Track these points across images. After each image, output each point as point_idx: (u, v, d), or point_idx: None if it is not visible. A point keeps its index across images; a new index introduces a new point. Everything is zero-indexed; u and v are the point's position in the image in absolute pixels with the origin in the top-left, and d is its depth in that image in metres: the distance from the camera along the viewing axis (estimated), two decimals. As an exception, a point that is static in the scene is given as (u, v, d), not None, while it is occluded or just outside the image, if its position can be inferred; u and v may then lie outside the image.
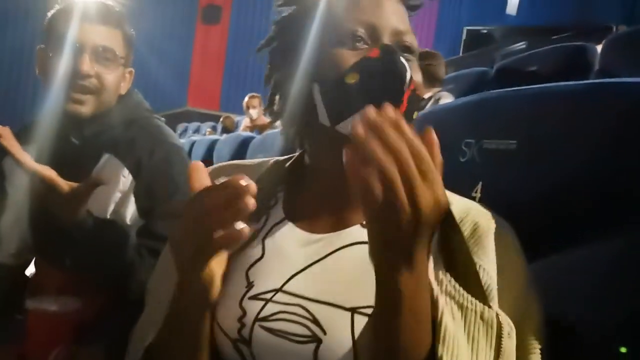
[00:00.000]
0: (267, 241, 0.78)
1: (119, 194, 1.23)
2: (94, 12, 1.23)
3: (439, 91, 3.46)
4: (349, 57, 0.71)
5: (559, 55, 2.76)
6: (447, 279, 0.66)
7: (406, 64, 0.69)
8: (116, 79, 1.27)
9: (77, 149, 1.24)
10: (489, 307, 0.64)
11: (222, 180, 0.81)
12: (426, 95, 3.49)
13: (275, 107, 0.84)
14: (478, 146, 0.97)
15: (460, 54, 9.45)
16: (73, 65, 1.19)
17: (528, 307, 0.69)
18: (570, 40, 3.77)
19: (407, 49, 0.74)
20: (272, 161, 0.88)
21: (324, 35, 0.74)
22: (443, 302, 0.63)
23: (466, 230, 0.70)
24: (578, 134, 0.81)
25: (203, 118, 8.40)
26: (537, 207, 0.85)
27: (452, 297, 0.65)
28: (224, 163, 0.93)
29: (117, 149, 1.25)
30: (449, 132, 1.05)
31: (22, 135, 1.22)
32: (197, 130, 7.56)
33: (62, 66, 1.19)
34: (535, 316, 0.70)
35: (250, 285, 0.74)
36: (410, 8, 0.80)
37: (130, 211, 1.23)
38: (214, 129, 7.19)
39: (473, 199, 0.94)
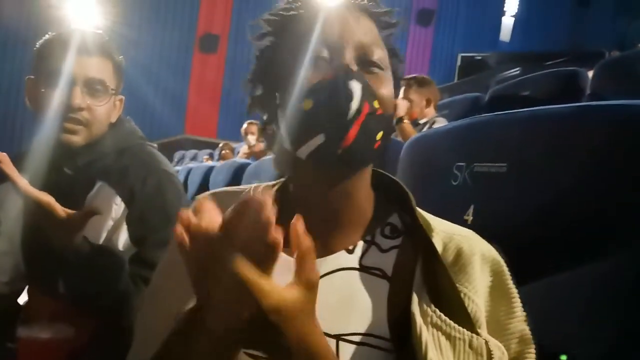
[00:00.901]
0: None
1: (111, 222, 1.23)
2: (84, 43, 1.24)
3: (435, 116, 3.49)
4: (310, 79, 0.71)
5: (551, 80, 2.79)
6: (431, 309, 0.66)
7: (356, 88, 0.68)
8: (107, 110, 1.27)
9: (70, 178, 1.24)
10: (477, 334, 0.64)
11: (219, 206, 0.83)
12: (422, 120, 3.52)
13: (265, 138, 0.84)
14: (469, 169, 0.97)
15: (455, 80, 9.54)
16: (65, 98, 1.20)
17: (520, 330, 0.69)
18: (564, 65, 3.82)
19: (372, 63, 0.73)
20: (262, 187, 0.88)
21: (296, 62, 0.73)
22: (426, 335, 0.63)
23: (449, 257, 0.71)
24: (566, 156, 0.82)
25: (200, 146, 8.43)
26: (528, 229, 0.86)
27: (439, 329, 0.64)
28: (215, 190, 0.92)
29: (110, 176, 1.25)
30: (440, 156, 1.06)
31: (15, 164, 1.22)
32: (194, 158, 7.57)
33: (54, 98, 1.20)
34: (528, 339, 0.70)
35: None
36: (383, 25, 0.79)
37: (123, 239, 1.23)
38: (211, 156, 7.20)
39: (465, 221, 0.94)
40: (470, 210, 0.95)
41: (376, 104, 0.70)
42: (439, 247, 0.71)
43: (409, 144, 1.18)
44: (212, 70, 9.29)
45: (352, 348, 0.67)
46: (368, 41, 0.73)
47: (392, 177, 0.82)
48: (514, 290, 0.71)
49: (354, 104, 0.68)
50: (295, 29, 0.76)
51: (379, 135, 0.72)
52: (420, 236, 0.72)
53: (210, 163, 4.19)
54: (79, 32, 1.26)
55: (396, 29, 0.81)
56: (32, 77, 1.26)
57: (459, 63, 10.54)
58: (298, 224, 0.56)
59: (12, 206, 1.31)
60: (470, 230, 0.77)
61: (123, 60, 1.34)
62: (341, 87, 0.68)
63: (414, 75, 3.62)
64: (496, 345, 0.65)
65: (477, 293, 0.67)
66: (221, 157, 6.33)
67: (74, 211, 1.03)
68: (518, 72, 6.43)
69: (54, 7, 6.81)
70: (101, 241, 1.22)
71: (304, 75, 0.71)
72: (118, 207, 1.23)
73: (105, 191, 1.25)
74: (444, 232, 0.74)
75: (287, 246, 0.76)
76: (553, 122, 0.87)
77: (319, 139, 0.68)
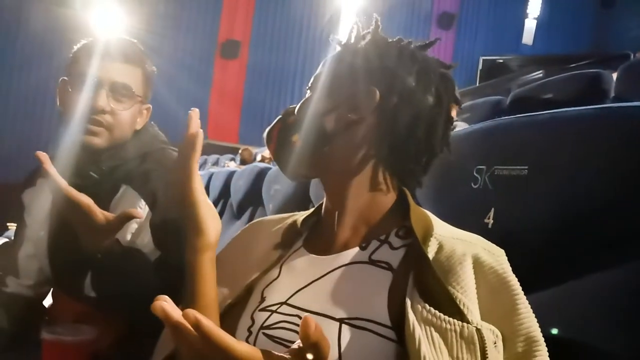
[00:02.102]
0: (284, 266, 0.89)
1: (135, 225, 1.25)
2: (115, 50, 1.26)
3: (455, 120, 3.47)
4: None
5: (574, 82, 2.75)
6: (422, 305, 0.69)
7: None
8: (131, 116, 1.29)
9: (96, 182, 1.26)
10: (468, 322, 0.66)
11: (264, 226, 1.01)
12: None
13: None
14: (490, 173, 0.97)
15: (477, 83, 9.46)
16: (90, 99, 1.22)
17: (525, 329, 0.69)
18: (587, 68, 3.76)
19: None
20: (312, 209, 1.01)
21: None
22: (419, 331, 0.66)
23: (442, 258, 0.74)
24: (587, 158, 0.81)
25: (222, 150, 8.49)
26: (549, 233, 0.85)
27: (431, 324, 0.67)
28: (265, 218, 1.06)
29: (134, 180, 1.27)
30: (461, 159, 1.05)
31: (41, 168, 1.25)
32: (216, 163, 7.62)
33: (80, 100, 1.22)
34: (535, 338, 0.69)
35: (262, 300, 0.84)
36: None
37: (146, 241, 1.24)
38: (232, 160, 7.25)
39: (486, 225, 0.94)
40: (491, 214, 0.94)
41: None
42: (433, 249, 0.75)
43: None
44: (233, 75, 9.35)
45: (353, 332, 0.72)
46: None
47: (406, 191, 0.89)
48: (517, 290, 0.72)
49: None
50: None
51: (294, 137, 0.89)
52: (415, 244, 0.77)
53: (231, 168, 4.22)
54: (113, 39, 1.29)
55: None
56: (65, 78, 1.29)
57: (480, 66, 10.46)
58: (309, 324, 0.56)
59: (38, 210, 1.33)
60: (477, 237, 0.79)
61: (154, 71, 1.36)
62: None
63: None
64: (488, 329, 0.67)
65: (465, 292, 0.69)
66: (241, 162, 6.37)
67: (111, 214, 1.04)
68: (541, 75, 6.36)
69: (79, 17, 6.95)
70: (125, 243, 1.23)
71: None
72: (142, 210, 1.25)
73: (129, 195, 1.27)
74: (442, 236, 0.78)
75: (315, 247, 0.89)
76: (574, 125, 0.86)
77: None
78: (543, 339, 0.69)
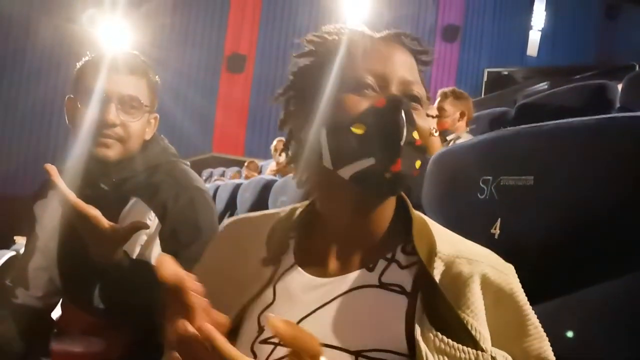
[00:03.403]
0: (278, 287, 0.80)
1: (144, 237, 1.26)
2: (119, 63, 1.28)
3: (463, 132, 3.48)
4: (356, 103, 0.74)
5: (579, 93, 2.75)
6: (433, 334, 0.66)
7: (405, 117, 0.72)
8: (141, 127, 1.30)
9: (105, 194, 1.27)
10: (482, 350, 0.64)
11: (245, 231, 0.88)
12: (449, 137, 3.51)
13: (290, 152, 0.87)
14: (496, 183, 0.97)
15: (482, 95, 9.47)
16: (100, 114, 1.23)
17: (536, 350, 0.69)
18: (592, 79, 3.77)
19: (414, 98, 0.77)
20: (288, 209, 0.91)
21: (336, 83, 0.77)
22: None
23: (448, 281, 0.71)
24: (593, 168, 0.81)
25: (228, 163, 8.51)
26: (556, 242, 0.85)
27: (444, 353, 0.65)
28: (241, 216, 0.96)
29: (143, 193, 1.29)
30: (466, 170, 1.06)
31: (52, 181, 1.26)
32: (222, 175, 7.65)
33: (90, 115, 1.24)
34: (547, 357, 0.69)
35: (261, 330, 0.76)
36: (422, 63, 0.83)
37: (155, 253, 1.25)
38: (238, 172, 7.27)
39: (492, 235, 0.94)
40: (498, 224, 0.94)
41: (416, 135, 0.74)
42: (439, 271, 0.72)
43: (435, 158, 1.19)
44: (239, 89, 9.40)
45: None
46: (411, 78, 0.78)
47: (405, 198, 0.84)
48: (527, 310, 0.71)
49: (405, 132, 0.72)
50: (337, 53, 0.79)
51: (418, 163, 0.75)
52: (420, 269, 0.73)
53: (237, 180, 4.23)
54: (116, 53, 1.30)
55: (429, 67, 0.85)
56: (72, 96, 1.30)
57: (485, 78, 10.47)
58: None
59: (49, 222, 1.34)
60: (481, 250, 0.77)
61: (158, 80, 1.37)
62: (395, 115, 0.72)
63: (452, 87, 3.63)
64: (502, 356, 0.65)
65: (476, 316, 0.67)
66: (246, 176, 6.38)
67: (118, 225, 1.05)
68: (546, 86, 6.36)
69: (86, 31, 7.01)
70: (134, 256, 1.24)
71: (348, 99, 0.75)
72: (152, 222, 1.26)
73: (139, 207, 1.28)
74: (447, 255, 0.74)
75: (311, 264, 0.80)
76: (579, 134, 0.86)
77: (369, 162, 0.72)
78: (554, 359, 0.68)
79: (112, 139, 1.25)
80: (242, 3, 9.43)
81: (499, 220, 0.94)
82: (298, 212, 0.88)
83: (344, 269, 0.78)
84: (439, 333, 0.66)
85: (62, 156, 1.34)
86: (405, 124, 0.72)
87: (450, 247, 0.75)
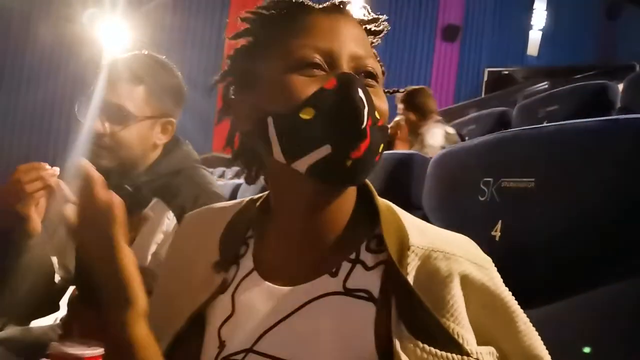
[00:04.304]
0: (236, 296, 0.73)
1: (161, 235, 1.29)
2: (111, 71, 1.31)
3: (434, 122, 3.50)
4: (303, 85, 0.66)
5: (579, 94, 2.74)
6: (414, 343, 0.61)
7: (363, 97, 0.64)
8: (134, 133, 1.32)
9: (130, 195, 1.30)
10: (468, 354, 0.60)
11: (201, 226, 0.84)
12: (422, 130, 3.53)
13: (234, 147, 0.81)
14: (496, 185, 0.97)
15: (482, 95, 9.46)
16: (89, 124, 1.28)
17: (526, 347, 0.65)
18: (593, 79, 3.75)
19: (369, 74, 0.69)
20: (245, 200, 0.84)
21: (278, 64, 0.68)
22: None
23: (423, 279, 0.65)
24: (595, 170, 0.81)
25: (228, 163, 8.51)
26: (557, 245, 0.84)
27: None
28: (203, 208, 0.89)
29: (165, 194, 1.32)
30: (467, 172, 1.05)
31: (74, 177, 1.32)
32: (222, 175, 7.64)
33: (85, 124, 1.29)
34: (538, 356, 0.66)
35: (222, 346, 0.70)
36: (372, 33, 0.76)
37: None
38: (239, 173, 7.26)
39: (493, 237, 0.93)
40: (498, 226, 0.94)
41: (377, 115, 0.67)
42: (413, 267, 0.65)
43: (436, 159, 1.18)
44: (238, 89, 9.41)
45: None
46: (363, 52, 0.69)
47: (369, 185, 0.76)
48: (514, 305, 0.66)
49: (366, 110, 0.64)
50: (277, 30, 0.71)
51: (381, 147, 0.68)
52: (391, 269, 0.66)
53: (237, 180, 4.23)
54: (114, 59, 1.33)
55: (381, 37, 0.78)
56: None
57: (485, 78, 10.46)
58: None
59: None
60: (457, 241, 0.71)
61: (166, 82, 1.38)
62: (352, 96, 0.64)
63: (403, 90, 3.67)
64: (487, 353, 0.62)
65: (457, 320, 0.62)
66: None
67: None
68: (546, 86, 6.36)
69: (85, 32, 7.00)
70: (150, 253, 1.27)
71: (292, 81, 0.67)
72: (170, 221, 1.30)
73: (159, 207, 1.32)
74: (422, 248, 0.67)
75: (270, 269, 0.73)
76: (581, 136, 0.86)
77: (325, 150, 0.64)
78: (547, 354, 0.65)
79: (101, 148, 1.28)
80: (243, 3, 9.43)
81: (500, 222, 0.94)
82: (254, 207, 0.81)
83: (306, 276, 0.70)
84: (419, 342, 0.61)
85: (61, 155, 1.35)
86: (365, 105, 0.64)
87: (423, 238, 0.69)
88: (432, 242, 0.68)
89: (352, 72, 0.67)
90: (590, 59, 9.60)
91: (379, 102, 0.68)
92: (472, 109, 5.82)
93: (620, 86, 2.83)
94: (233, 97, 0.78)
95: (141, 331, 0.66)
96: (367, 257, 0.70)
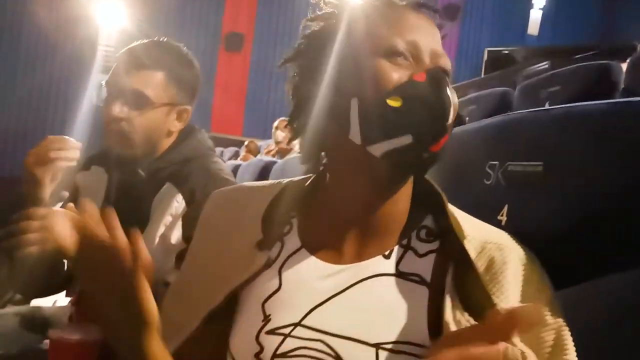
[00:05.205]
0: (284, 272, 0.75)
1: (170, 218, 1.31)
2: (131, 57, 1.32)
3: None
4: (390, 72, 0.68)
5: (582, 74, 2.70)
6: (465, 318, 0.63)
7: (450, 94, 0.67)
8: (151, 119, 1.34)
9: (143, 180, 1.36)
10: (512, 343, 0.61)
11: (233, 205, 0.84)
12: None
13: (297, 123, 0.80)
14: (503, 168, 0.95)
15: (482, 75, 9.40)
16: (105, 109, 1.31)
17: (559, 337, 0.67)
18: (594, 59, 3.71)
19: (447, 73, 0.72)
20: (285, 182, 0.86)
21: (360, 48, 0.71)
22: None
23: (481, 265, 0.68)
24: (605, 155, 0.79)
25: (226, 143, 8.47)
26: (565, 230, 0.83)
27: None
28: (230, 187, 0.93)
29: (176, 179, 1.35)
30: (472, 154, 1.03)
31: (96, 157, 1.48)
32: (220, 155, 7.61)
33: (102, 110, 1.33)
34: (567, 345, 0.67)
35: (267, 319, 0.72)
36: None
37: (176, 235, 1.30)
38: (237, 154, 7.23)
39: (499, 222, 0.92)
40: (505, 211, 0.92)
41: (454, 113, 0.71)
42: (472, 255, 0.69)
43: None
44: (237, 68, 9.32)
45: (392, 358, 0.65)
46: (440, 51, 0.73)
47: (426, 177, 0.79)
48: (554, 300, 0.69)
49: (451, 111, 0.68)
50: (362, 15, 0.73)
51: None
52: (453, 243, 0.70)
53: (236, 162, 4.20)
54: (134, 45, 1.35)
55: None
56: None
57: (485, 58, 10.39)
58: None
59: (90, 192, 1.45)
60: (504, 234, 0.75)
61: (185, 71, 1.41)
62: (442, 93, 0.67)
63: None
64: (531, 356, 0.63)
65: (509, 303, 0.65)
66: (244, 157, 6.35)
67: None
68: (546, 66, 6.30)
69: (82, 11, 6.92)
70: (158, 234, 1.30)
71: (380, 65, 0.68)
72: (179, 204, 1.32)
73: (170, 190, 1.34)
74: (477, 239, 0.71)
75: (320, 248, 0.75)
76: (590, 119, 0.84)
77: (405, 139, 0.66)
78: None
79: (117, 133, 1.31)
80: (241, -18, 9.31)
81: (506, 206, 0.92)
82: (298, 188, 0.83)
83: (359, 256, 0.74)
84: (471, 319, 0.63)
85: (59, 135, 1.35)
86: (451, 102, 0.67)
87: (475, 230, 0.73)
88: (484, 235, 0.72)
89: (434, 67, 0.70)
90: (591, 39, 9.53)
91: (455, 100, 0.71)
92: (472, 89, 5.77)
93: (624, 65, 2.80)
94: (305, 74, 0.78)
95: (158, 348, 0.66)
96: (418, 245, 0.74)
